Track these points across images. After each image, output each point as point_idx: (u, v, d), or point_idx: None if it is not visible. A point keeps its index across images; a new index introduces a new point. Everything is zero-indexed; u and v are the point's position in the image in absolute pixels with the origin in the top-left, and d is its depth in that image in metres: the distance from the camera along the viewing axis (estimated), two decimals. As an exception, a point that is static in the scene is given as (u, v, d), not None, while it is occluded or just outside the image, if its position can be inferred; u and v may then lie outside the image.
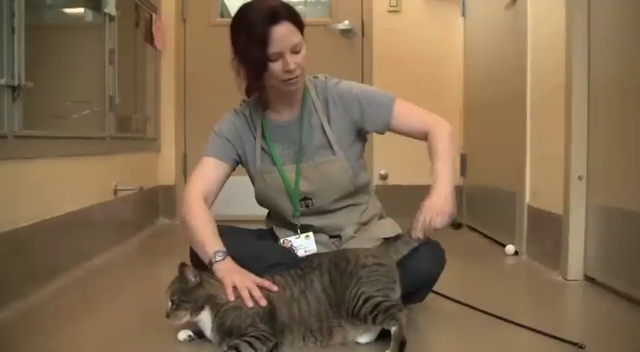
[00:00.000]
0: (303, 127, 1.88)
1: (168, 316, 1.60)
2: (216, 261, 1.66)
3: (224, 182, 1.90)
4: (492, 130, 3.50)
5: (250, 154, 1.91)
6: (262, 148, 1.90)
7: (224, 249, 1.70)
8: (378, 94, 1.90)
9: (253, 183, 1.94)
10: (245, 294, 1.57)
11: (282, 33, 1.70)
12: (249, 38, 1.71)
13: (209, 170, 1.87)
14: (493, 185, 3.46)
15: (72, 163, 2.60)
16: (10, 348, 1.67)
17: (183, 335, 1.67)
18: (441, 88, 4.18)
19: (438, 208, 1.68)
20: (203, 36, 4.13)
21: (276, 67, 1.74)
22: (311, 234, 1.88)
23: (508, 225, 3.10)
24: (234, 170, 1.94)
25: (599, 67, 2.34)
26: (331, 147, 1.87)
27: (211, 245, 1.70)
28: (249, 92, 1.92)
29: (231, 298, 1.58)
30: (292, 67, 1.73)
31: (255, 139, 1.91)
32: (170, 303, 1.59)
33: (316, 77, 1.95)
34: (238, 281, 1.60)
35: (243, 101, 1.96)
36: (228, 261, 1.68)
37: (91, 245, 2.76)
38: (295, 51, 1.74)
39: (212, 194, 1.86)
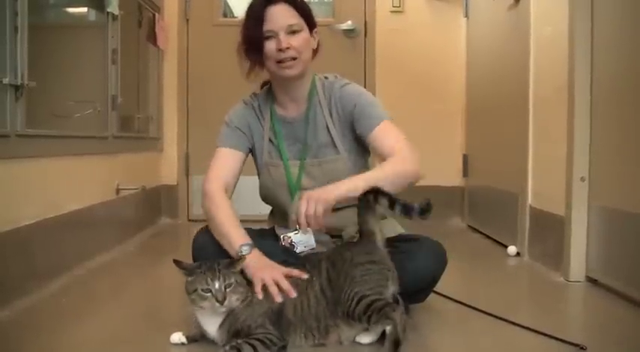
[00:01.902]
0: (309, 124, 1.90)
1: (223, 301, 1.50)
2: (242, 255, 1.68)
3: (241, 171, 1.95)
4: (495, 131, 3.50)
5: (258, 146, 1.95)
6: (270, 141, 1.93)
7: (250, 241, 1.72)
8: (375, 107, 1.87)
9: (259, 176, 1.97)
10: (274, 290, 1.58)
11: (277, 12, 1.79)
12: (248, 18, 1.83)
13: (226, 161, 1.92)
14: (495, 186, 3.46)
15: (74, 162, 2.61)
16: (11, 346, 1.67)
17: (176, 338, 1.64)
18: (444, 89, 4.17)
19: (315, 195, 1.65)
20: (206, 36, 4.13)
21: (269, 45, 1.80)
22: (309, 229, 1.87)
23: (510, 226, 3.09)
24: (248, 154, 1.98)
25: (601, 67, 2.33)
26: (335, 146, 1.88)
27: (236, 239, 1.72)
28: (248, 75, 1.94)
29: (260, 296, 1.57)
30: (284, 45, 1.78)
31: (263, 131, 1.94)
32: (224, 288, 1.51)
33: (327, 77, 1.96)
34: (267, 278, 1.60)
35: (254, 93, 1.99)
36: (255, 254, 1.69)
37: (93, 244, 2.77)
38: (291, 32, 1.79)
39: (231, 185, 1.91)
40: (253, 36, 1.81)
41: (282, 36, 1.79)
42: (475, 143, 3.95)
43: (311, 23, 1.86)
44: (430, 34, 4.19)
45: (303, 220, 1.64)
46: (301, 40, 1.81)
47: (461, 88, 4.12)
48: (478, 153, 3.89)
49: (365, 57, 4.17)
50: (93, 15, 3.00)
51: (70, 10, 2.89)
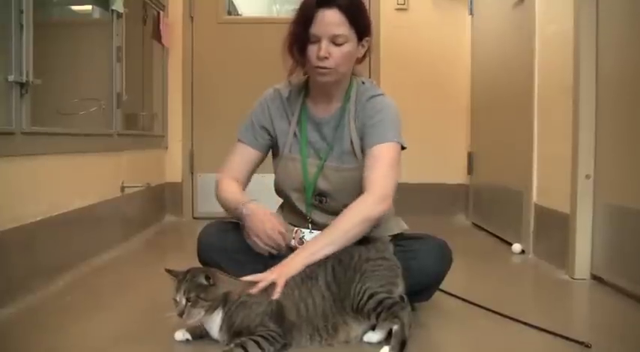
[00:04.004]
0: (337, 127, 1.89)
1: (181, 315, 1.54)
2: (243, 215, 1.79)
3: (256, 167, 1.97)
4: (499, 129, 3.49)
5: (281, 139, 1.92)
6: (295, 135, 1.91)
7: (245, 199, 1.80)
8: (388, 127, 1.83)
9: (277, 167, 1.96)
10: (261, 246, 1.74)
11: (327, 18, 1.74)
12: (298, 15, 1.79)
13: (240, 158, 1.95)
14: (500, 184, 3.45)
15: (79, 160, 2.61)
16: (16, 344, 1.67)
17: (180, 335, 1.64)
18: (448, 87, 4.17)
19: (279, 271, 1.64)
20: (210, 33, 4.14)
21: (311, 49, 1.77)
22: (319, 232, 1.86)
23: (515, 223, 3.09)
24: (267, 153, 1.99)
25: (606, 65, 2.33)
26: (355, 154, 1.86)
27: (236, 203, 1.81)
28: (290, 75, 1.94)
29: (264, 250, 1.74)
30: (323, 54, 1.74)
31: (289, 124, 1.92)
32: (185, 301, 1.53)
33: (364, 82, 1.94)
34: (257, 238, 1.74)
35: (289, 81, 1.96)
36: (249, 212, 1.77)
37: (98, 242, 2.77)
38: (336, 42, 1.76)
39: (242, 182, 1.94)
40: (299, 35, 1.78)
41: (324, 44, 1.74)
42: (480, 141, 3.94)
43: (362, 32, 1.82)
44: (435, 32, 4.18)
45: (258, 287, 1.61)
46: (342, 53, 1.77)
47: (466, 86, 4.12)
48: (483, 150, 3.88)
49: (370, 55, 4.15)
50: (98, 12, 3.01)
51: (75, 7, 2.90)
